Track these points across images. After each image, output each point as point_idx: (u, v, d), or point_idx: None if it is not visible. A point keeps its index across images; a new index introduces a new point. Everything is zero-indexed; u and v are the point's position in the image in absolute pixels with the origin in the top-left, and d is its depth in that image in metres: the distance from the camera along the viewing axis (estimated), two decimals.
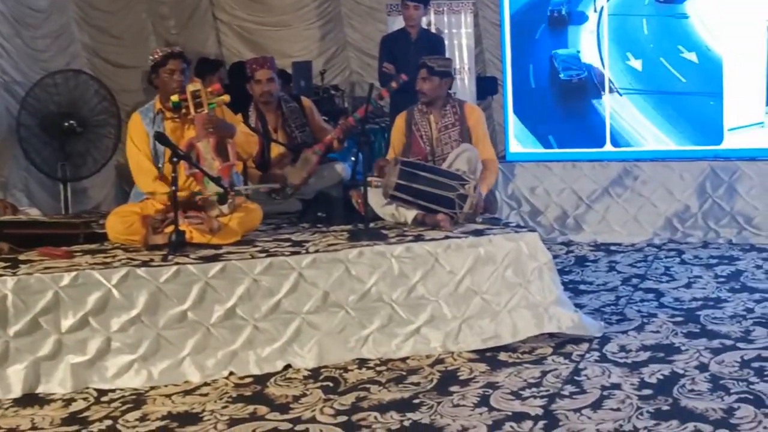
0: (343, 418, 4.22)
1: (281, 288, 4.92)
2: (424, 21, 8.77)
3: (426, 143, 6.13)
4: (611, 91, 8.52)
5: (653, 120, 8.47)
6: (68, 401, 4.54)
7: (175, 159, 5.17)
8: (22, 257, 5.14)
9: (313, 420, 4.22)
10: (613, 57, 8.50)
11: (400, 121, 6.33)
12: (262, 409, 4.37)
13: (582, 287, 6.51)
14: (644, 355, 4.94)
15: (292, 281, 4.93)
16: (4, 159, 8.28)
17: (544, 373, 4.71)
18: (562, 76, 8.62)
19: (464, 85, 9.89)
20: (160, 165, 5.58)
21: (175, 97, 5.50)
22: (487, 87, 10.27)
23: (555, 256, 6.10)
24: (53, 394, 4.62)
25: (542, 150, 8.70)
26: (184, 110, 5.54)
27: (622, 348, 5.08)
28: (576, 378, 4.63)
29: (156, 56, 5.66)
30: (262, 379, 4.78)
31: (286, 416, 4.27)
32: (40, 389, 4.65)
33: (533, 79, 8.72)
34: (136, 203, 5.73)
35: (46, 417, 4.35)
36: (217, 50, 11.17)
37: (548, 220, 8.38)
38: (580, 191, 8.34)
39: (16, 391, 4.60)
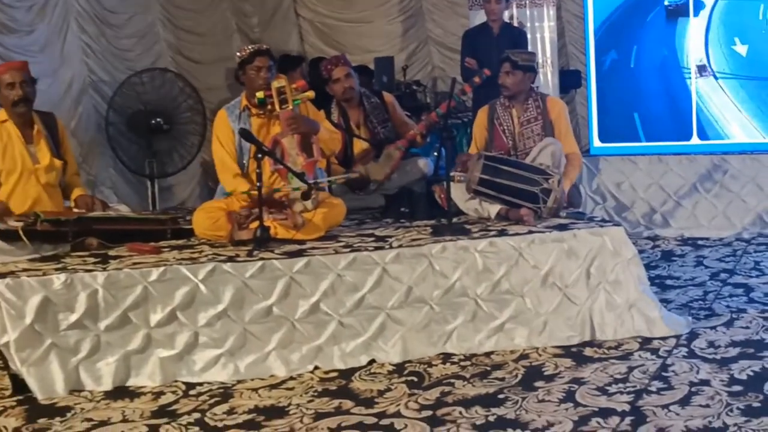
0: (427, 413, 4.22)
1: (365, 283, 4.94)
2: (506, 15, 8.71)
3: (508, 137, 6.09)
4: (707, 74, 8.37)
5: (746, 107, 8.31)
6: (157, 394, 4.61)
7: (259, 155, 5.22)
8: (111, 253, 5.24)
9: (397, 414, 4.22)
10: (717, 42, 8.35)
11: (482, 115, 6.30)
12: (347, 404, 4.39)
13: (669, 282, 6.41)
14: (734, 351, 4.85)
15: (376, 276, 4.94)
16: (92, 157, 8.45)
17: (631, 369, 4.66)
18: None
19: (547, 79, 9.80)
20: (245, 161, 5.64)
21: (260, 94, 5.55)
22: (570, 80, 10.16)
23: (641, 251, 6.03)
24: (143, 387, 4.70)
25: (627, 144, 8.60)
26: (269, 106, 5.59)
27: (711, 344, 4.99)
28: (663, 374, 4.56)
29: (243, 53, 5.72)
30: (346, 374, 4.80)
31: (371, 411, 4.28)
32: (130, 382, 4.73)
33: (634, 61, 8.60)
34: (221, 199, 5.80)
35: (137, 410, 4.42)
36: (299, 47, 11.24)
37: (635, 215, 8.28)
38: (667, 186, 8.22)
39: (107, 384, 4.68)
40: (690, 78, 8.47)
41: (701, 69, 8.47)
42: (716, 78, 8.37)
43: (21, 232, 5.22)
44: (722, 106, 8.40)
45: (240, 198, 5.55)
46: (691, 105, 8.46)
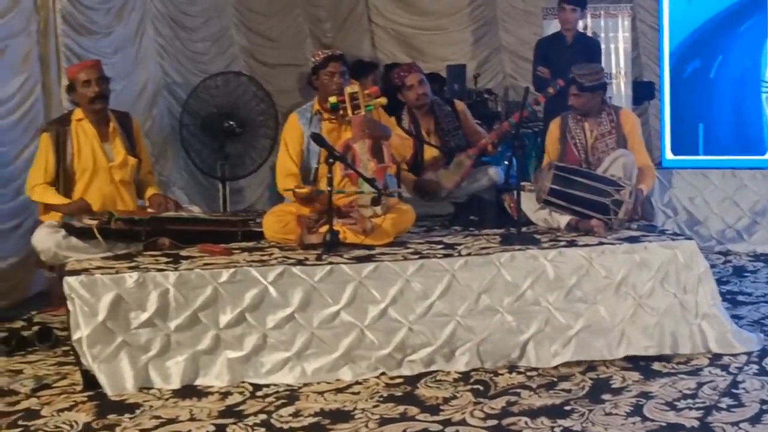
0: (493, 422, 4.21)
1: (434, 290, 4.93)
2: (580, 25, 8.66)
3: (580, 151, 6.04)
4: None
5: None
6: (225, 394, 4.66)
7: (330, 160, 5.25)
8: (183, 253, 5.31)
9: (463, 422, 4.22)
10: None
11: (554, 127, 6.26)
12: (413, 410, 4.39)
13: (740, 298, 6.32)
14: None
15: (445, 283, 4.94)
16: (165, 158, 8.55)
17: (700, 385, 4.60)
18: None
19: (620, 90, 9.72)
20: (316, 165, 5.67)
21: (333, 99, 5.59)
22: (643, 92, 10.07)
23: (712, 266, 5.94)
24: (210, 386, 4.75)
25: (699, 157, 8.49)
26: (341, 111, 5.62)
27: None
28: (734, 390, 4.51)
29: (317, 58, 5.76)
30: (412, 380, 4.80)
31: (436, 417, 4.29)
32: (198, 381, 4.78)
33: (714, 71, 8.51)
34: (291, 203, 5.83)
35: (204, 409, 4.47)
36: (372, 53, 11.29)
37: (707, 229, 8.17)
38: (741, 202, 8.11)
39: (176, 383, 4.74)
40: (766, 92, 8.33)
41: None
42: None
43: (96, 231, 5.30)
44: None
45: (290, 197, 5.58)
46: (763, 119, 8.33)
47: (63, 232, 5.37)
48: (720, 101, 8.49)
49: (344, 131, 5.70)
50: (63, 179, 5.73)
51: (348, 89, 5.59)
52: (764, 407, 4.26)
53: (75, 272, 4.83)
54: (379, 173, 5.48)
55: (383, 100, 5.73)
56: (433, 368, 4.90)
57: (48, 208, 5.72)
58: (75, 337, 4.69)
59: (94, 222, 5.37)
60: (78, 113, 5.81)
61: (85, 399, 4.62)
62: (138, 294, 4.73)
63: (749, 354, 5.04)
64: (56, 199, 5.68)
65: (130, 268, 4.92)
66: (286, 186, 5.62)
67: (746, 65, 8.40)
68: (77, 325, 4.68)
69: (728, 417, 4.17)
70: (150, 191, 6.03)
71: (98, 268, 4.94)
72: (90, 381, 4.71)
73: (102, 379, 4.66)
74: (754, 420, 4.11)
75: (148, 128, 8.16)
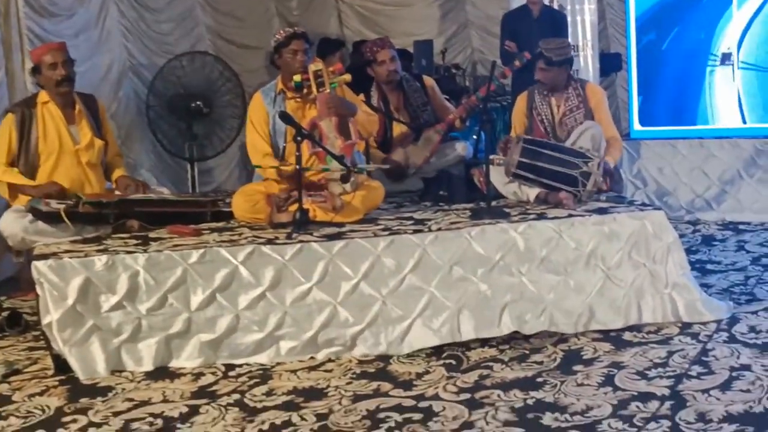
0: (466, 396, 4.23)
1: (406, 264, 4.91)
2: None
3: (547, 126, 6.06)
4: (729, 63, 8.31)
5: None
6: (197, 375, 4.65)
7: (298, 138, 5.23)
8: (152, 235, 5.28)
9: (436, 397, 4.23)
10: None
11: (521, 102, 6.27)
12: (386, 386, 4.40)
13: (710, 267, 6.37)
14: None
15: (417, 258, 4.92)
16: (132, 140, 8.49)
17: (671, 354, 4.64)
18: None
19: (587, 62, 9.73)
20: (283, 144, 5.65)
21: (297, 77, 5.57)
22: (611, 63, 10.09)
23: (681, 236, 5.98)
24: (183, 368, 4.74)
25: (667, 128, 8.53)
26: (305, 90, 5.60)
27: (752, 329, 4.96)
28: (704, 359, 4.54)
29: (279, 36, 5.73)
30: (385, 356, 4.81)
31: (409, 393, 4.30)
32: (171, 364, 4.77)
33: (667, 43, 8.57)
34: (261, 182, 5.81)
35: (177, 390, 4.46)
36: (339, 30, 11.24)
37: (677, 200, 8.22)
38: (710, 171, 8.16)
39: (148, 365, 4.72)
40: (713, 65, 8.38)
41: (725, 57, 8.37)
42: (736, 68, 8.27)
43: (63, 214, 5.26)
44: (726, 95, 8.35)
45: (269, 174, 5.57)
46: (702, 91, 8.40)
47: (30, 216, 5.33)
48: (666, 74, 8.54)
49: (309, 109, 5.68)
50: (25, 161, 5.67)
51: (312, 67, 5.57)
52: (734, 374, 4.29)
53: (43, 256, 4.80)
54: (347, 150, 5.47)
55: (347, 77, 5.71)
56: (410, 341, 4.88)
57: (15, 192, 5.66)
58: (45, 321, 4.66)
59: (62, 206, 5.33)
60: (43, 96, 5.76)
61: (57, 383, 4.59)
62: (107, 277, 4.70)
63: (719, 322, 5.08)
64: (24, 180, 5.63)
65: (98, 251, 4.89)
66: (268, 164, 5.59)
67: (700, 38, 8.45)
68: (47, 309, 4.65)
69: (698, 384, 4.20)
70: (117, 173, 5.99)
71: (67, 251, 4.91)
72: (61, 365, 4.68)
73: (73, 363, 4.64)
74: (724, 387, 4.15)
75: (114, 110, 8.09)
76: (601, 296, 5.08)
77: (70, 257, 4.75)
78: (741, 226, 7.70)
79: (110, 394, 4.42)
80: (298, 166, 5.19)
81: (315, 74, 5.55)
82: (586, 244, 5.09)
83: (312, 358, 4.82)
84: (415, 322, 4.91)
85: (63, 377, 4.65)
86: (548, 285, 5.05)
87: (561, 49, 6.05)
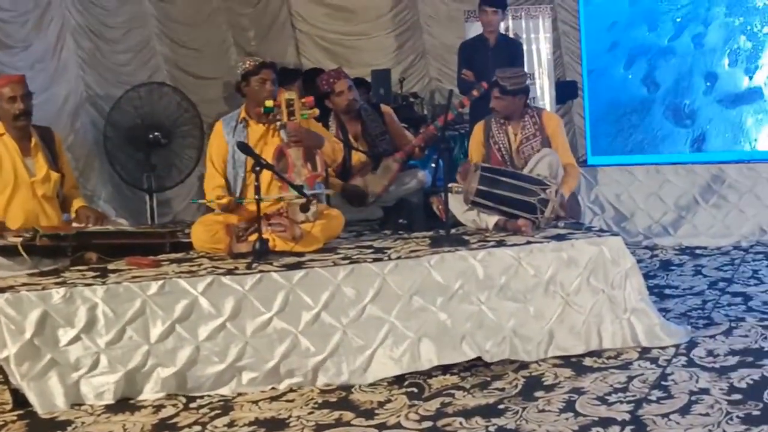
0: (428, 424, 4.22)
1: (366, 293, 4.91)
2: (501, 26, 8.72)
3: (505, 155, 6.08)
4: None
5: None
6: (158, 407, 4.61)
7: (257, 168, 5.23)
8: (110, 267, 5.24)
9: (398, 426, 4.23)
10: None
11: (478, 131, 6.29)
12: (348, 415, 4.39)
13: (667, 291, 6.42)
14: (733, 360, 4.86)
15: (377, 287, 4.92)
16: (90, 172, 8.47)
17: (630, 378, 4.66)
18: None
19: (543, 90, 9.83)
20: (241, 174, 5.65)
21: (269, 102, 5.57)
22: (566, 91, 10.19)
23: (639, 261, 6.03)
24: (144, 400, 4.70)
25: (622, 155, 8.62)
26: (273, 116, 5.61)
27: (710, 352, 5.00)
28: (663, 383, 4.57)
29: (249, 65, 5.74)
30: (346, 386, 4.80)
31: (371, 422, 4.29)
32: (132, 397, 4.72)
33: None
34: (220, 213, 5.79)
35: (137, 423, 4.42)
36: (296, 60, 11.28)
37: (634, 225, 8.29)
38: (666, 197, 8.25)
39: (108, 399, 4.67)
40: None
41: None
42: None
43: (20, 248, 5.22)
44: None
45: (216, 206, 5.62)
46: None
47: None
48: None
49: (272, 137, 5.69)
50: None
51: (286, 95, 5.59)
52: (693, 398, 4.32)
53: (0, 290, 4.75)
54: (310, 181, 5.48)
55: (316, 111, 5.75)
56: (372, 371, 4.87)
57: None
58: (2, 355, 4.60)
59: (19, 239, 5.28)
60: None
61: (15, 418, 4.54)
62: (66, 310, 4.66)
63: (677, 346, 5.12)
64: None
65: (56, 283, 4.85)
66: (213, 196, 5.63)
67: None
68: (4, 343, 4.59)
69: (658, 409, 4.23)
70: (76, 204, 5.95)
71: (24, 284, 4.86)
72: (19, 399, 4.63)
73: (32, 397, 4.58)
74: (684, 411, 4.18)
75: (71, 142, 8.07)
76: (561, 322, 5.10)
77: (27, 290, 4.71)
78: (698, 251, 7.77)
79: (69, 429, 4.38)
80: (257, 197, 5.19)
81: (287, 102, 5.56)
82: (545, 271, 5.11)
83: (273, 388, 4.80)
84: (376, 352, 4.90)
85: (21, 411, 4.60)
86: (508, 312, 5.06)
87: (516, 78, 6.08)
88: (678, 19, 8.51)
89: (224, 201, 5.52)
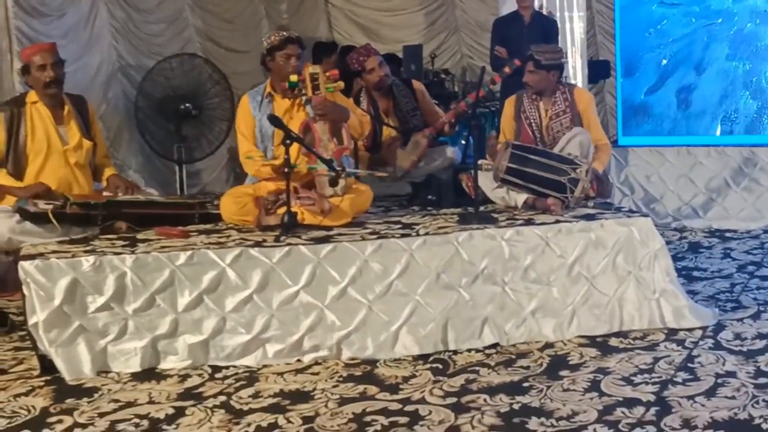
0: (452, 400, 4.23)
1: (393, 269, 4.92)
2: (536, 3, 8.67)
3: (535, 131, 6.07)
4: None
5: None
6: (184, 377, 4.64)
7: (287, 141, 5.23)
8: (140, 236, 5.27)
9: (422, 401, 4.23)
10: None
11: (509, 106, 6.28)
12: (372, 389, 4.40)
13: (696, 274, 6.39)
14: (760, 344, 4.83)
15: (404, 263, 4.93)
16: (120, 142, 8.50)
17: (657, 360, 4.65)
18: None
19: (576, 70, 9.77)
20: (271, 147, 5.65)
21: (294, 77, 5.55)
22: (599, 71, 10.13)
23: (668, 243, 5.98)
24: (170, 369, 4.73)
25: (655, 135, 8.56)
26: (298, 91, 5.60)
27: (737, 336, 4.97)
28: (689, 365, 4.55)
29: (274, 39, 5.72)
30: (372, 360, 4.81)
31: (395, 397, 4.30)
32: (158, 366, 4.76)
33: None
34: (249, 185, 5.81)
35: (163, 392, 4.45)
36: (328, 34, 11.27)
37: (664, 207, 8.25)
38: (696, 179, 8.19)
39: (135, 367, 4.71)
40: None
41: None
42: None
43: (51, 215, 5.25)
44: None
45: (262, 173, 5.60)
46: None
47: (17, 217, 5.31)
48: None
49: (297, 111, 5.68)
50: (13, 161, 5.66)
51: (310, 69, 5.57)
52: (719, 381, 4.30)
53: (30, 257, 4.78)
54: (337, 155, 5.47)
55: (341, 85, 5.71)
56: (396, 348, 4.88)
57: (2, 192, 5.63)
58: (31, 321, 4.65)
59: (50, 206, 5.32)
60: (32, 96, 5.75)
61: (42, 384, 4.58)
62: (95, 278, 4.69)
63: (704, 329, 5.09)
64: (11, 182, 5.60)
65: (86, 251, 4.88)
66: (256, 155, 5.63)
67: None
68: (33, 309, 4.64)
69: (684, 391, 4.21)
70: (108, 172, 5.99)
71: (54, 252, 4.89)
72: (47, 366, 4.67)
73: (59, 363, 4.62)
74: (709, 393, 4.16)
75: (103, 112, 8.10)
76: (584, 304, 5.09)
77: (57, 258, 4.74)
78: (727, 234, 7.72)
79: (96, 395, 4.41)
80: (286, 168, 5.19)
81: (311, 77, 5.54)
82: (571, 252, 5.10)
83: (299, 360, 4.82)
84: (400, 330, 4.91)
85: (49, 377, 4.64)
86: (529, 295, 5.06)
87: (552, 53, 6.07)
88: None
89: (277, 162, 5.47)
